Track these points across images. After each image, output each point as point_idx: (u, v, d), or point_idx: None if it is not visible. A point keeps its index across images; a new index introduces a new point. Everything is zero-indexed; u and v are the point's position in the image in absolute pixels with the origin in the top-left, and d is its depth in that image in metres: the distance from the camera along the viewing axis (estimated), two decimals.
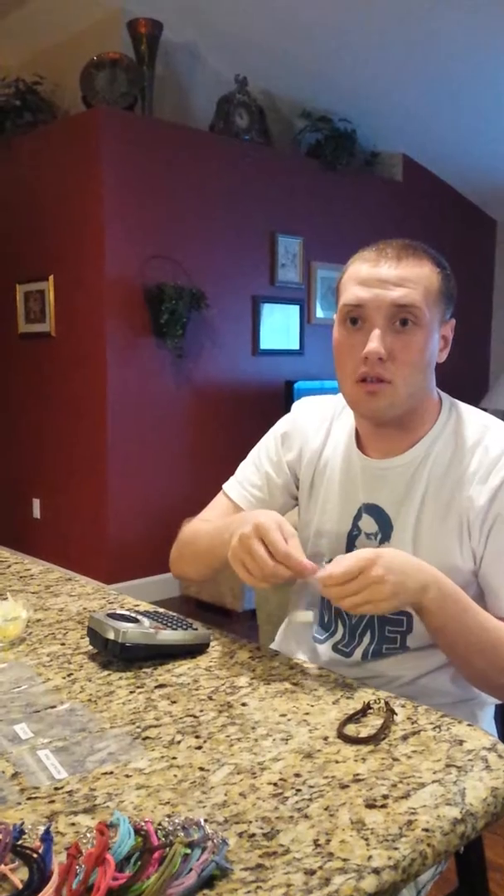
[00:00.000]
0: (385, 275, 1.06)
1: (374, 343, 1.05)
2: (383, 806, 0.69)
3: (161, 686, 0.95)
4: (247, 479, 1.28)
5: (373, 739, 0.81)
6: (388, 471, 1.15)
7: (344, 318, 1.10)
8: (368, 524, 1.16)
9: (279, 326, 4.36)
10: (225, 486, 1.31)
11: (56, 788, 0.72)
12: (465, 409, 1.18)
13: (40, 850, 0.60)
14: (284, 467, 1.27)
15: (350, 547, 1.18)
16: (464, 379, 5.30)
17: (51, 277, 3.93)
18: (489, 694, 1.14)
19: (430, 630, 1.03)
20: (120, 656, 1.00)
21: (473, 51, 3.70)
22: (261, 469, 1.28)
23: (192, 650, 1.05)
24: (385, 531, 1.14)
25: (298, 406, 1.32)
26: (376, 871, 0.60)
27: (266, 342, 4.30)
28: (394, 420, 1.12)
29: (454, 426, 1.14)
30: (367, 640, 1.17)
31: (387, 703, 0.87)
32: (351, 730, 0.83)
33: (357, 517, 1.17)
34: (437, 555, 1.10)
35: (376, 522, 1.15)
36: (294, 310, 4.43)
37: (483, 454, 1.10)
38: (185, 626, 1.06)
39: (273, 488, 1.27)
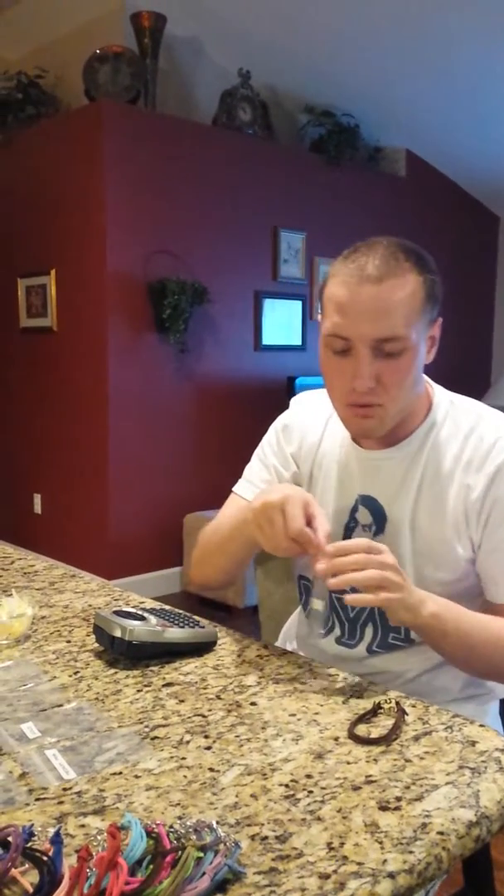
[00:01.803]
0: (366, 303, 1.02)
1: (363, 378, 1.04)
2: (397, 808, 0.68)
3: (169, 685, 0.94)
4: (256, 477, 1.27)
5: (384, 740, 0.80)
6: (383, 461, 1.15)
7: (329, 345, 1.08)
8: (364, 515, 1.16)
9: (281, 322, 4.35)
10: (235, 489, 1.29)
11: (65, 789, 0.71)
12: (459, 398, 1.18)
13: (51, 853, 0.59)
14: (290, 459, 1.26)
15: (347, 538, 1.18)
16: (466, 375, 5.29)
17: (52, 272, 3.92)
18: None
19: (434, 642, 1.03)
20: (127, 654, 0.99)
21: (478, 46, 3.68)
22: (268, 464, 1.27)
23: (199, 648, 1.04)
24: (379, 523, 1.14)
25: (297, 401, 1.32)
26: (392, 876, 0.59)
27: (268, 337, 4.28)
28: None
29: (448, 416, 1.14)
30: (369, 633, 1.16)
31: (397, 703, 0.87)
32: (362, 730, 0.83)
33: (354, 509, 1.17)
34: (435, 544, 1.10)
35: (371, 514, 1.15)
36: (296, 305, 4.41)
37: (478, 442, 1.10)
38: (191, 624, 1.05)
39: (283, 481, 1.26)
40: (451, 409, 1.15)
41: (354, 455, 1.18)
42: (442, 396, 1.17)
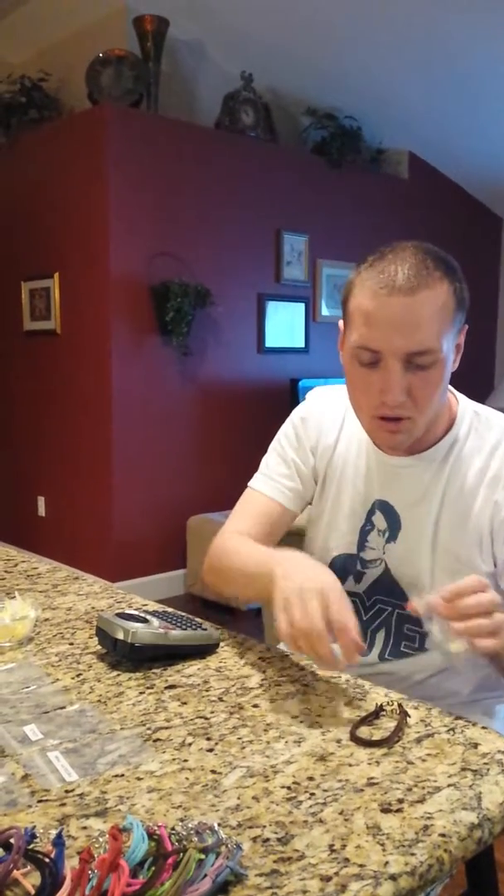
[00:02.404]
0: (398, 316, 0.98)
1: (394, 393, 1.00)
2: (399, 810, 0.68)
3: (171, 687, 0.94)
4: (275, 472, 1.24)
5: (386, 742, 0.80)
6: (403, 469, 1.14)
7: (355, 357, 1.04)
8: (380, 520, 1.16)
9: (284, 324, 4.35)
10: (253, 483, 1.25)
11: (67, 791, 0.71)
12: (483, 409, 1.16)
13: (52, 855, 0.60)
14: (308, 453, 1.23)
15: (362, 541, 1.17)
16: (469, 378, 5.27)
17: (56, 275, 3.92)
18: None
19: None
20: (129, 657, 0.99)
21: (480, 48, 3.68)
22: (287, 458, 1.24)
23: (202, 650, 1.04)
24: (393, 530, 1.14)
25: (314, 394, 1.29)
26: (393, 878, 0.59)
27: (271, 340, 4.28)
28: None
29: (473, 428, 1.13)
30: (381, 639, 1.16)
31: (400, 706, 0.87)
32: (364, 732, 0.83)
33: (371, 512, 1.17)
34: (456, 558, 1.09)
35: (386, 519, 1.15)
36: (299, 308, 4.41)
37: None
38: (194, 627, 1.05)
39: (303, 476, 1.24)
40: (476, 420, 1.14)
41: (375, 459, 1.17)
42: (466, 406, 1.15)
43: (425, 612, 0.87)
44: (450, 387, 1.15)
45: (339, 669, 0.91)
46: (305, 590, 0.89)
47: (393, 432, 1.05)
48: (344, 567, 1.20)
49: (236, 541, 1.17)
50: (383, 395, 1.02)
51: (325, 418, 1.24)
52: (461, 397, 1.17)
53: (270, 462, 1.25)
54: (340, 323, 1.10)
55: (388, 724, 0.84)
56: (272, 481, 1.23)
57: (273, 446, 1.27)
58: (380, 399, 1.02)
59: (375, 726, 0.84)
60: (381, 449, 1.14)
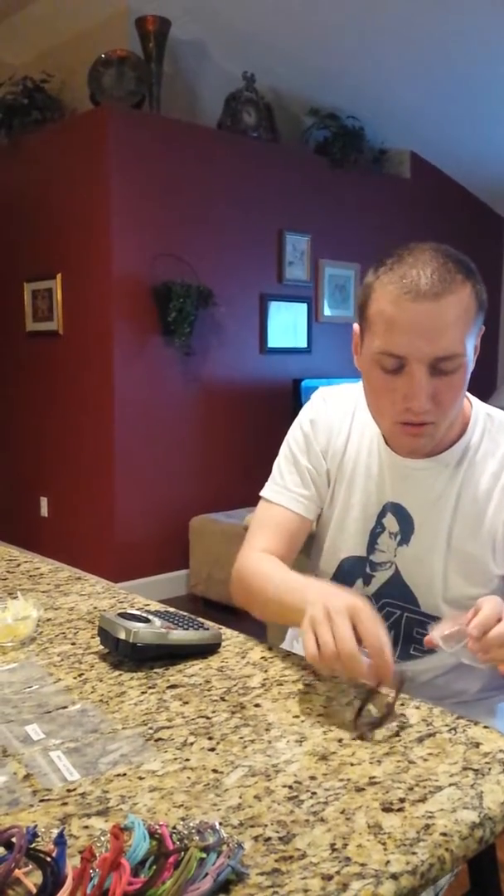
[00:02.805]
0: (424, 322, 0.97)
1: (420, 400, 0.99)
2: (400, 809, 0.68)
3: (173, 686, 0.94)
4: (289, 481, 1.21)
5: (389, 715, 0.82)
6: (417, 471, 1.13)
7: (378, 363, 1.02)
8: (392, 523, 1.15)
9: (287, 324, 4.35)
10: (268, 495, 1.22)
11: (69, 790, 0.71)
12: (495, 412, 1.16)
13: (54, 854, 0.60)
14: (320, 457, 1.21)
15: (371, 544, 1.16)
16: (471, 377, 5.27)
17: (58, 275, 3.93)
18: None
19: None
20: (131, 656, 0.99)
21: (482, 48, 3.68)
22: (299, 465, 1.21)
23: (204, 650, 1.04)
24: (405, 532, 1.13)
25: (320, 397, 1.26)
26: (394, 877, 0.59)
27: (274, 340, 4.28)
28: None
29: (486, 431, 1.13)
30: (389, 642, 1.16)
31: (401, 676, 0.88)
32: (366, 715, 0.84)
33: (381, 514, 1.16)
34: (470, 561, 1.09)
35: (398, 522, 1.14)
36: (302, 308, 4.42)
37: None
38: (196, 626, 1.05)
39: (316, 481, 1.21)
40: (489, 423, 1.13)
41: (387, 461, 1.15)
42: (479, 409, 1.15)
43: (445, 644, 0.87)
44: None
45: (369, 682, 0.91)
46: (333, 609, 0.87)
47: (415, 436, 1.04)
48: (352, 570, 1.19)
49: (267, 565, 1.14)
50: (408, 401, 1.00)
51: (335, 420, 1.22)
52: (474, 400, 1.17)
53: (283, 470, 1.23)
54: (356, 327, 1.08)
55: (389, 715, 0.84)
56: (288, 492, 1.21)
57: (283, 452, 1.25)
58: (404, 405, 1.01)
59: (377, 726, 0.84)
60: (400, 453, 1.13)
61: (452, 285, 0.98)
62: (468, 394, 1.16)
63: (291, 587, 1.04)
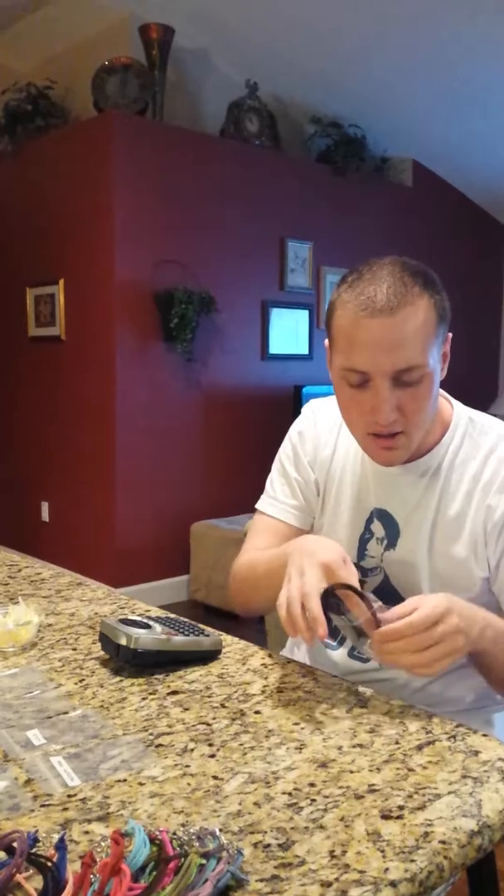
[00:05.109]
0: (381, 336, 0.99)
1: (384, 412, 1.01)
2: (399, 817, 0.68)
3: (173, 693, 0.94)
4: (280, 493, 1.27)
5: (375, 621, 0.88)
6: (400, 477, 1.14)
7: (343, 378, 1.05)
8: (378, 528, 1.16)
9: (288, 331, 4.36)
10: (261, 507, 1.28)
11: (69, 796, 0.72)
12: (478, 416, 1.17)
13: (55, 859, 0.60)
14: (308, 468, 1.25)
15: (361, 550, 1.17)
16: (473, 385, 5.28)
17: (61, 281, 3.94)
18: None
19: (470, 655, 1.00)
20: (132, 662, 1.00)
21: (484, 56, 3.69)
22: (289, 477, 1.26)
23: (204, 657, 1.05)
24: (391, 537, 1.14)
25: (309, 408, 1.31)
26: (393, 884, 0.59)
27: (275, 347, 4.29)
28: None
29: (467, 434, 1.14)
30: None
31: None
32: (364, 737, 0.83)
33: (369, 520, 1.17)
34: (452, 564, 1.10)
35: (384, 527, 1.15)
36: (303, 314, 4.43)
37: (498, 463, 1.10)
38: (197, 633, 1.06)
39: (306, 492, 1.25)
40: (471, 427, 1.14)
41: (371, 468, 1.17)
42: (461, 413, 1.16)
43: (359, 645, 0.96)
44: (444, 393, 1.16)
45: (309, 644, 0.95)
46: (307, 564, 0.95)
47: (389, 448, 1.06)
48: None
49: (255, 553, 1.22)
50: (374, 414, 1.03)
51: (321, 431, 1.25)
52: (456, 404, 1.18)
53: (274, 484, 1.28)
54: (326, 342, 1.11)
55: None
56: (278, 503, 1.26)
57: (275, 466, 1.30)
58: (371, 418, 1.04)
59: (376, 733, 0.84)
60: (378, 463, 1.14)
61: (408, 297, 1.00)
62: (449, 397, 1.18)
63: (274, 553, 1.12)
